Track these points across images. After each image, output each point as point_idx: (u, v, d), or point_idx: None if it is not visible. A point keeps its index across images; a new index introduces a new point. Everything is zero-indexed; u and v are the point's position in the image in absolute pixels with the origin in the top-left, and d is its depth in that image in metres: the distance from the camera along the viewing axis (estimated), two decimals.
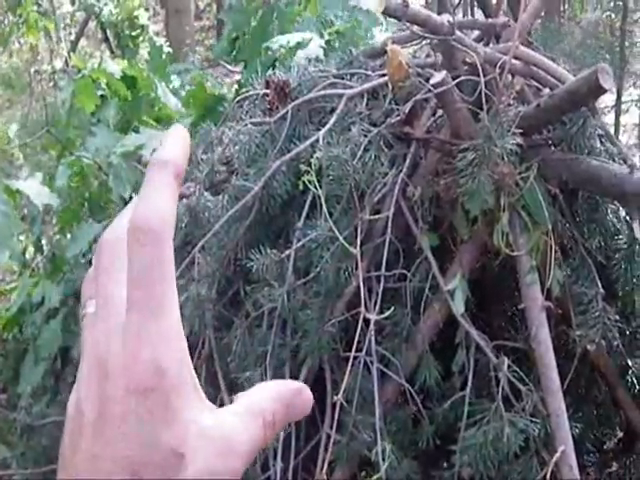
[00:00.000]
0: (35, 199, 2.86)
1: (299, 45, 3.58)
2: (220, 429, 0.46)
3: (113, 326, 0.46)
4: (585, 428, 2.46)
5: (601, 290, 2.26)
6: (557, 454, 2.03)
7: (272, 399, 0.49)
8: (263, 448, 0.48)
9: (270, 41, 3.71)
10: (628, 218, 2.38)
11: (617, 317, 2.26)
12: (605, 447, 2.76)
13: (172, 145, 0.50)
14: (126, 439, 0.43)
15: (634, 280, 2.35)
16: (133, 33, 7.20)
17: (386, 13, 2.23)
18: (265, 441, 0.48)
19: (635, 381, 2.50)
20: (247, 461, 0.47)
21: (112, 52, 7.82)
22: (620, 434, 2.74)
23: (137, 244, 0.45)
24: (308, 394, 0.51)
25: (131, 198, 3.37)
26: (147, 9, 7.56)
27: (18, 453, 3.30)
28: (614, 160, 2.39)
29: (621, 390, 2.50)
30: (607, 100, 6.44)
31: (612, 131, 6.32)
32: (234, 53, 4.32)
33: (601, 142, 2.42)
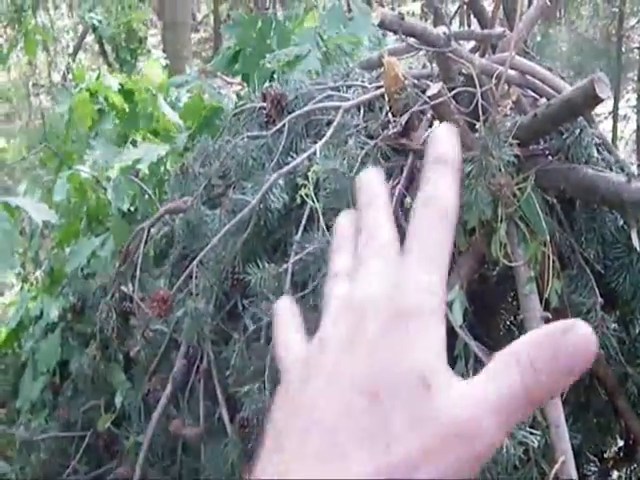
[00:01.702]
0: (34, 216, 2.86)
1: (297, 58, 3.60)
2: (470, 383, 0.43)
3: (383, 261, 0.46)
4: (585, 437, 2.45)
5: (599, 299, 2.25)
6: (557, 465, 2.02)
7: (525, 342, 0.43)
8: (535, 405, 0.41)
9: (269, 55, 3.73)
10: (626, 227, 2.37)
11: (616, 326, 2.26)
12: (605, 456, 2.74)
13: (445, 143, 0.50)
14: (372, 357, 0.42)
15: (633, 289, 2.34)
16: (131, 46, 7.22)
17: (382, 26, 2.24)
18: (527, 395, 0.41)
19: (635, 390, 2.49)
20: (505, 418, 0.41)
21: (110, 65, 7.84)
22: (620, 443, 2.73)
23: (425, 218, 0.47)
24: (581, 333, 0.43)
25: (129, 211, 3.37)
26: (145, 22, 7.58)
27: (17, 468, 3.29)
28: (612, 169, 2.39)
29: (621, 399, 2.49)
30: (605, 107, 6.45)
31: (610, 138, 6.33)
32: (236, 67, 4.33)
33: (598, 151, 2.42)
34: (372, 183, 0.54)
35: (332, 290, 0.49)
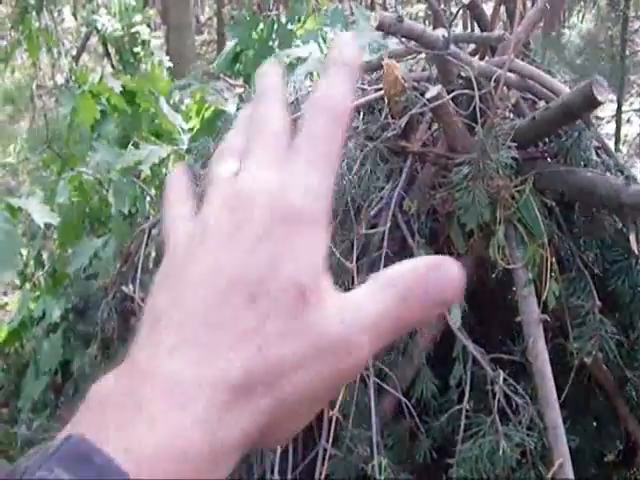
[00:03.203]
0: (36, 217, 2.87)
1: (299, 60, 3.61)
2: (345, 298, 0.43)
3: (272, 158, 0.46)
4: (584, 441, 2.45)
5: (598, 302, 2.25)
6: (554, 467, 2.03)
7: (400, 272, 0.44)
8: (389, 346, 0.44)
9: (271, 56, 3.73)
10: (625, 230, 2.38)
11: (614, 329, 2.26)
12: (605, 460, 2.75)
13: (346, 46, 0.50)
14: (252, 257, 0.41)
15: (631, 292, 2.35)
16: (134, 48, 7.22)
17: (381, 28, 2.24)
18: (399, 318, 0.43)
19: (634, 393, 2.50)
20: (376, 338, 0.42)
21: (113, 67, 7.86)
22: (620, 446, 2.73)
23: (315, 118, 0.47)
24: (450, 269, 0.43)
25: (130, 213, 3.38)
26: (148, 24, 7.59)
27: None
28: (610, 172, 2.39)
29: (620, 402, 2.49)
30: (608, 110, 6.45)
31: (613, 141, 6.33)
32: (237, 67, 4.34)
33: (597, 154, 2.43)
34: (268, 75, 0.52)
35: (219, 167, 0.48)
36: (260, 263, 0.41)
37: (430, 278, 0.43)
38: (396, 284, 0.43)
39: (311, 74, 3.29)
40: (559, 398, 2.13)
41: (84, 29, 9.23)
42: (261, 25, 4.35)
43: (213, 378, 0.39)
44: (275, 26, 4.35)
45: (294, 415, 0.42)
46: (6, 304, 4.76)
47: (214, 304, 0.40)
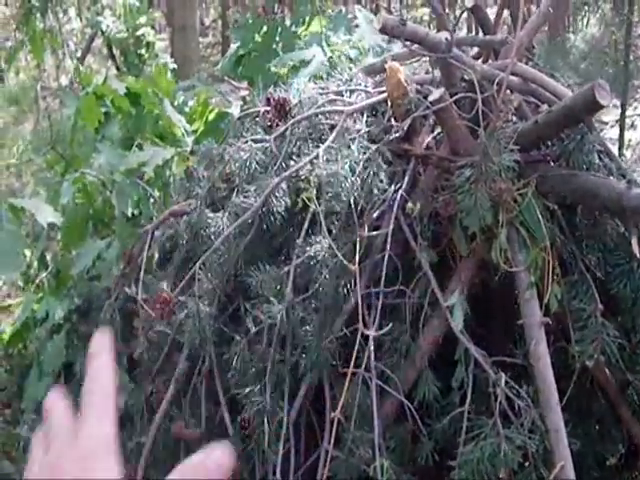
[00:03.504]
0: (39, 218, 2.88)
1: (303, 63, 3.62)
2: None
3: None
4: (586, 444, 2.45)
5: (600, 306, 2.25)
6: (556, 470, 2.03)
7: (178, 469, 0.63)
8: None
9: (274, 59, 3.74)
10: (627, 234, 2.38)
11: (616, 332, 2.26)
12: (607, 463, 2.75)
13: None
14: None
15: (633, 295, 2.35)
16: (139, 50, 7.24)
17: (384, 31, 2.25)
18: None
19: (636, 397, 2.49)
20: None
21: (118, 69, 7.87)
22: (622, 450, 2.73)
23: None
24: (215, 454, 0.63)
25: (133, 215, 3.39)
26: (153, 26, 7.61)
27: (22, 468, 3.31)
28: (613, 176, 2.39)
29: (622, 406, 2.49)
30: (612, 114, 6.45)
31: (617, 146, 6.32)
32: (239, 70, 4.35)
33: (600, 158, 2.43)
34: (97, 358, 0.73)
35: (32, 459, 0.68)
36: None
37: (199, 468, 0.62)
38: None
39: (314, 77, 3.30)
40: (561, 401, 2.13)
41: (89, 31, 9.24)
42: (265, 28, 4.36)
43: None
44: (279, 29, 4.35)
45: None
46: (10, 305, 4.77)
47: None
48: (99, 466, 0.61)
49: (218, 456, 0.62)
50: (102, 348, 0.72)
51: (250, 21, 4.47)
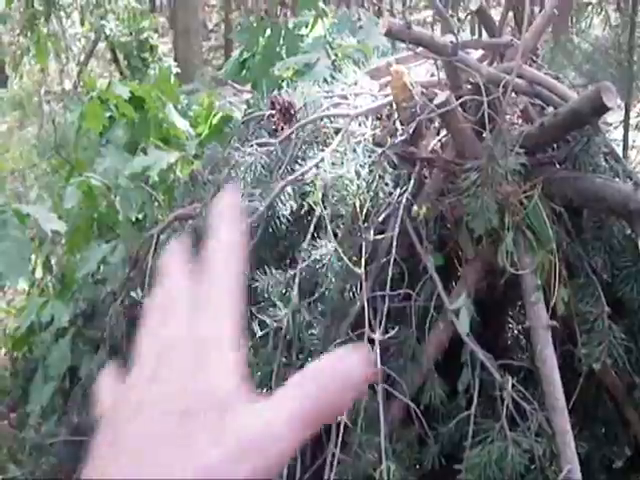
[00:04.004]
0: (43, 224, 2.88)
1: (307, 67, 3.61)
2: (265, 400, 0.48)
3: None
4: (593, 447, 2.44)
5: (606, 308, 2.25)
6: (563, 473, 2.02)
7: (309, 367, 0.50)
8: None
9: (278, 63, 3.74)
10: (633, 236, 2.37)
11: (623, 335, 2.25)
12: (614, 466, 2.74)
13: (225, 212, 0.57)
14: (173, 384, 0.48)
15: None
16: (142, 54, 7.24)
17: (388, 35, 2.25)
18: (316, 409, 0.48)
19: None
20: (297, 428, 0.47)
21: (121, 73, 7.88)
22: (629, 452, 2.72)
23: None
24: (353, 357, 0.49)
25: (138, 219, 3.39)
26: (156, 30, 7.61)
27: (27, 472, 3.31)
28: (619, 178, 2.39)
29: (629, 408, 2.49)
30: (617, 116, 6.43)
31: (621, 147, 6.30)
32: (243, 73, 4.35)
33: (606, 160, 2.42)
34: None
35: (145, 326, 0.56)
36: (180, 387, 0.48)
37: (337, 368, 0.49)
38: (304, 381, 0.49)
39: (319, 80, 3.30)
40: (567, 404, 2.13)
41: (92, 35, 9.26)
42: (268, 31, 4.35)
43: None
44: (282, 32, 4.35)
45: None
46: (14, 309, 4.77)
47: (144, 432, 0.47)
48: (215, 357, 0.49)
49: (354, 363, 0.50)
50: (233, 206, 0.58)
51: (254, 24, 4.47)
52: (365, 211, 2.29)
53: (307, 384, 0.48)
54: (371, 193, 2.30)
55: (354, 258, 2.23)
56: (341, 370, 0.49)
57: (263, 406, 0.47)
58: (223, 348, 0.49)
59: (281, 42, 4.21)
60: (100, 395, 0.59)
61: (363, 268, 2.20)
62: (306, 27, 4.39)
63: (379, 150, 2.37)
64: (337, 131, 2.47)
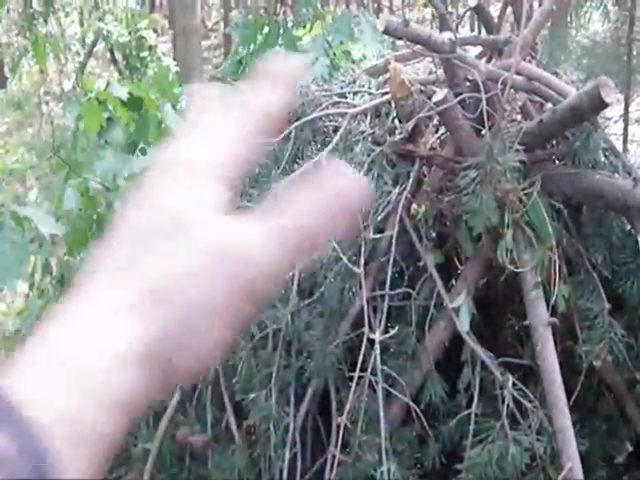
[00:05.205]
0: (41, 228, 2.87)
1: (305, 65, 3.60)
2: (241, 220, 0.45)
3: None
4: (594, 443, 2.44)
5: (607, 305, 2.25)
6: (564, 471, 2.02)
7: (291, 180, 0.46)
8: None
9: None
10: (633, 232, 2.37)
11: (624, 332, 2.25)
12: (615, 462, 2.73)
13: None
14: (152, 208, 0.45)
15: None
16: (141, 54, 7.24)
17: (387, 32, 2.24)
18: (296, 224, 0.44)
19: None
20: (272, 243, 0.44)
21: (120, 73, 7.88)
22: (630, 448, 2.72)
23: None
24: (346, 169, 0.46)
25: None
26: (155, 29, 7.61)
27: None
28: (618, 173, 2.38)
29: (629, 404, 2.48)
30: (616, 110, 6.42)
31: (621, 142, 6.30)
32: (239, 71, 4.34)
33: (605, 156, 2.42)
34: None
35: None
36: (152, 208, 0.45)
37: (325, 182, 0.45)
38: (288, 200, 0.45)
39: (317, 78, 3.29)
40: (568, 401, 2.12)
41: (91, 35, 9.25)
42: (266, 29, 4.34)
43: (107, 301, 0.42)
44: (281, 31, 4.34)
45: (194, 323, 0.43)
46: (14, 311, 4.76)
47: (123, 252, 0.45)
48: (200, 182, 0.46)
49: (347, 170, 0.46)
50: None
51: (249, 20, 4.46)
52: (364, 210, 2.28)
53: (290, 210, 0.45)
54: (370, 192, 2.29)
55: (353, 257, 2.22)
56: (332, 186, 0.46)
57: (239, 223, 0.44)
58: (200, 171, 0.46)
59: (280, 41, 4.20)
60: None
61: (362, 267, 2.20)
62: (304, 27, 4.37)
63: (378, 148, 2.36)
64: (336, 129, 2.47)
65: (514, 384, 2.14)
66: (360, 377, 2.13)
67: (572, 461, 2.03)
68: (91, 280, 0.45)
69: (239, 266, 0.43)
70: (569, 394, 2.14)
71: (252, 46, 4.35)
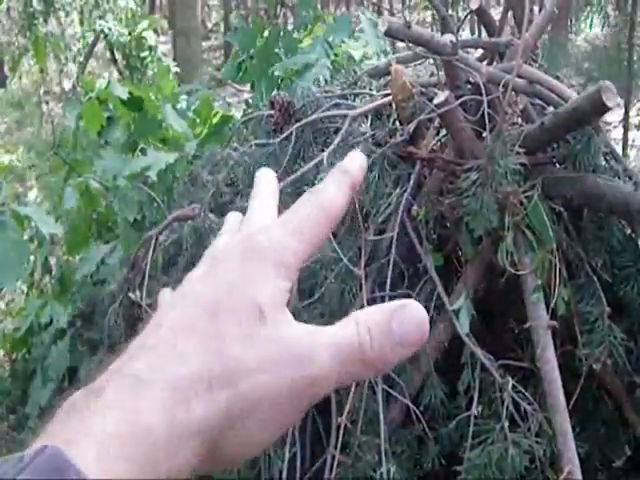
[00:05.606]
0: (41, 227, 2.88)
1: (306, 67, 3.61)
2: (311, 328, 0.48)
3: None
4: (593, 447, 2.44)
5: (607, 308, 2.24)
6: (563, 474, 2.01)
7: (365, 311, 0.49)
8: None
9: (277, 63, 3.74)
10: (634, 235, 2.37)
11: (623, 335, 2.25)
12: (614, 465, 2.73)
13: (354, 161, 0.59)
14: (220, 283, 0.49)
15: None
16: (141, 54, 7.23)
17: (389, 34, 2.24)
18: (361, 347, 0.47)
19: None
20: (338, 359, 0.46)
21: (120, 73, 7.88)
22: (629, 452, 2.72)
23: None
24: (415, 309, 0.48)
25: (136, 220, 3.38)
26: (155, 30, 7.61)
27: None
28: (619, 177, 2.38)
29: (629, 408, 2.48)
30: (616, 115, 6.43)
31: (621, 146, 6.31)
32: (240, 74, 4.35)
33: (606, 160, 2.42)
34: (261, 179, 0.64)
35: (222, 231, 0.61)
36: (224, 290, 0.48)
37: (395, 315, 0.48)
38: (358, 321, 0.48)
39: (318, 80, 3.29)
40: (568, 404, 2.12)
41: (91, 35, 9.25)
42: (266, 32, 4.35)
43: (170, 374, 0.44)
44: (281, 33, 4.34)
45: (255, 415, 0.45)
46: (13, 310, 4.76)
47: (181, 323, 0.47)
48: (267, 269, 0.49)
49: (416, 311, 0.49)
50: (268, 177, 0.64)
51: (251, 25, 4.46)
52: (365, 211, 2.28)
53: (362, 325, 0.47)
54: (371, 193, 2.30)
55: (354, 258, 2.22)
56: (399, 318, 0.48)
57: (308, 330, 0.47)
58: (276, 265, 0.49)
59: (280, 44, 4.20)
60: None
61: (363, 269, 2.20)
62: (304, 30, 4.38)
63: (379, 150, 2.36)
64: (336, 131, 2.47)
65: (514, 386, 2.14)
66: None
67: (571, 464, 2.03)
68: (165, 344, 0.46)
69: (308, 371, 0.46)
70: (568, 397, 2.14)
71: (250, 50, 4.35)
